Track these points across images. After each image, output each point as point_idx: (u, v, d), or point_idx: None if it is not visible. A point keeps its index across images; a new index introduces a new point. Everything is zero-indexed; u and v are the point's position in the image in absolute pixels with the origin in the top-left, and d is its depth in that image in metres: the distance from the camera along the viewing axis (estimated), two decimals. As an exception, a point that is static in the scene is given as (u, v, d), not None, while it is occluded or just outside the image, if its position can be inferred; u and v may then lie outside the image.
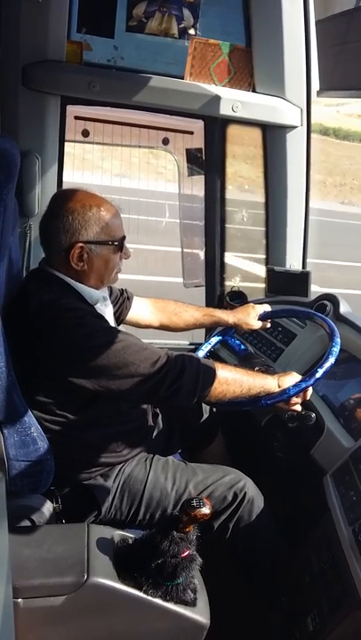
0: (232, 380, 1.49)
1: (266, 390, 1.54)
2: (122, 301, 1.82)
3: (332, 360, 1.55)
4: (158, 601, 1.26)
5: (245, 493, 1.58)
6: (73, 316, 1.37)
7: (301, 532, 1.59)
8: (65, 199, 1.46)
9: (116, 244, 1.48)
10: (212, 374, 1.46)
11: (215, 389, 1.46)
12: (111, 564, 1.28)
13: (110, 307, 1.67)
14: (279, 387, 1.55)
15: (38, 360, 1.36)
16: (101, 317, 1.49)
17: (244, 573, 1.67)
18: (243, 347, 1.98)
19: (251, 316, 1.94)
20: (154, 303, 1.94)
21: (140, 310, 1.88)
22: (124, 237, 1.51)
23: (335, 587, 1.31)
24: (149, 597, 1.26)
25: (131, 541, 1.33)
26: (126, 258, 1.54)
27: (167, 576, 1.24)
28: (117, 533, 1.36)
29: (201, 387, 1.44)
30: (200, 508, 1.19)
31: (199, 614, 1.30)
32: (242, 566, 1.67)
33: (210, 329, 2.23)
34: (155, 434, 1.75)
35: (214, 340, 1.98)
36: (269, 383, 1.55)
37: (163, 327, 1.96)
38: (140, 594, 1.26)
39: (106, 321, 1.52)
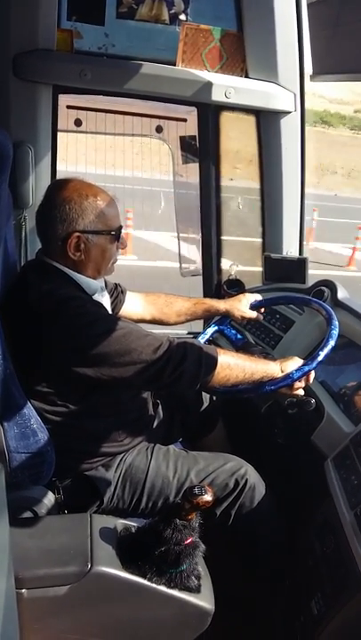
0: (235, 365, 1.49)
1: (269, 375, 1.54)
2: (116, 295, 1.82)
3: (332, 343, 1.55)
4: (162, 588, 1.27)
5: (247, 480, 1.58)
6: (73, 305, 1.36)
7: (303, 517, 1.60)
8: (61, 189, 1.45)
9: (113, 233, 1.47)
10: (214, 359, 1.46)
11: (218, 374, 1.46)
12: (114, 552, 1.28)
13: (107, 297, 1.66)
14: (282, 371, 1.55)
15: (38, 350, 1.35)
16: (101, 306, 1.49)
17: (247, 559, 1.68)
18: (239, 336, 1.97)
19: (243, 304, 1.93)
20: (145, 297, 1.94)
21: (133, 304, 1.88)
22: (120, 227, 1.50)
23: (338, 570, 1.32)
24: (153, 585, 1.27)
25: (134, 530, 1.33)
26: (123, 248, 1.54)
27: (171, 563, 1.25)
28: (120, 522, 1.36)
29: (204, 372, 1.44)
30: (202, 495, 1.19)
31: (203, 600, 1.31)
32: (245, 552, 1.68)
33: (206, 320, 2.22)
34: (155, 423, 1.75)
35: (210, 330, 1.97)
36: (272, 368, 1.55)
37: (155, 320, 1.95)
38: (144, 581, 1.26)
39: (105, 309, 1.52)
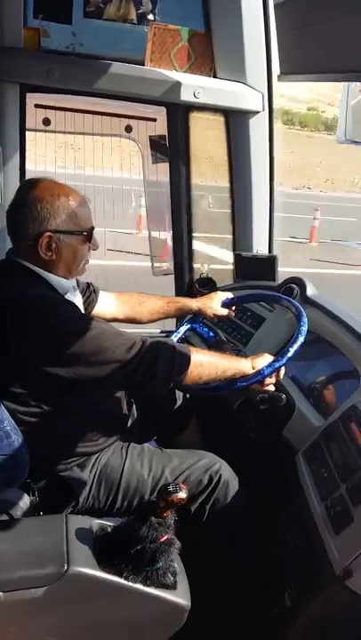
0: (207, 363, 1.52)
1: (241, 372, 1.57)
2: (88, 294, 1.81)
3: (301, 339, 1.59)
4: (139, 586, 1.28)
5: (221, 476, 1.60)
6: (45, 305, 1.36)
7: (276, 511, 1.63)
8: (33, 188, 1.45)
9: (84, 234, 1.47)
10: (186, 358, 1.48)
11: (191, 373, 1.48)
12: (91, 553, 1.29)
13: (79, 297, 1.66)
14: (253, 368, 1.58)
15: (10, 351, 1.35)
16: (73, 305, 1.49)
17: (222, 554, 1.70)
18: (211, 334, 1.99)
19: (214, 302, 1.95)
20: (117, 296, 1.94)
21: (105, 304, 1.88)
22: (92, 228, 1.50)
23: (310, 562, 1.35)
24: (130, 583, 1.27)
25: (109, 529, 1.34)
26: (94, 249, 1.53)
27: (147, 561, 1.26)
28: (96, 522, 1.37)
29: (177, 371, 1.46)
30: (177, 492, 1.21)
31: (180, 597, 1.32)
32: (219, 547, 1.70)
33: (179, 318, 2.23)
34: (129, 422, 1.75)
35: (183, 328, 1.99)
36: (243, 364, 1.58)
37: (128, 319, 1.96)
38: (121, 580, 1.27)
39: (78, 308, 1.52)
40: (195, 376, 1.50)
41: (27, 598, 1.23)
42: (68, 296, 1.52)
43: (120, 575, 1.26)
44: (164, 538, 1.25)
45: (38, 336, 1.34)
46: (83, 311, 1.65)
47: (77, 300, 1.62)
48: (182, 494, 1.21)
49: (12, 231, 1.48)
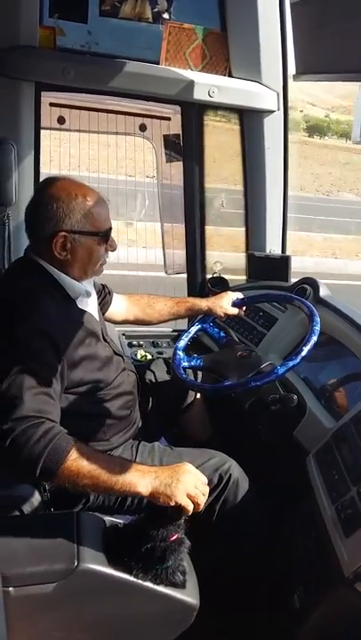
0: (87, 472, 1.22)
1: (131, 489, 1.24)
2: (103, 296, 1.82)
3: (315, 338, 1.58)
4: (148, 584, 1.28)
5: (230, 475, 1.60)
6: (34, 322, 1.32)
7: (286, 512, 1.63)
8: (50, 186, 1.45)
9: (100, 234, 1.46)
10: (63, 457, 1.20)
11: (65, 472, 1.21)
12: (101, 550, 1.29)
13: (95, 299, 1.66)
14: (151, 489, 1.23)
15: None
16: (52, 342, 1.34)
17: (231, 554, 1.70)
18: (222, 334, 1.99)
19: (225, 302, 1.95)
20: (128, 298, 1.95)
21: (117, 306, 1.89)
22: (109, 229, 1.49)
23: (320, 564, 1.34)
24: (139, 581, 1.28)
25: (120, 527, 1.35)
26: (112, 250, 1.52)
27: (157, 560, 1.26)
28: (106, 520, 1.38)
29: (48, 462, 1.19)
30: None
31: (189, 596, 1.33)
32: (228, 547, 1.70)
33: (191, 318, 2.23)
34: (140, 421, 1.76)
35: (194, 328, 1.99)
36: (138, 481, 1.24)
37: (138, 321, 1.97)
38: (130, 578, 1.28)
39: (56, 348, 1.35)
40: (72, 478, 1.22)
41: (37, 594, 1.24)
42: (80, 300, 1.52)
43: (130, 573, 1.27)
44: (174, 537, 1.26)
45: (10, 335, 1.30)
46: (97, 314, 1.64)
47: (92, 302, 1.62)
48: None
49: (29, 229, 1.48)
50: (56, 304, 1.41)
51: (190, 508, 1.24)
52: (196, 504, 1.24)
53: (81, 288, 1.51)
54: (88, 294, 1.56)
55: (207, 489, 1.29)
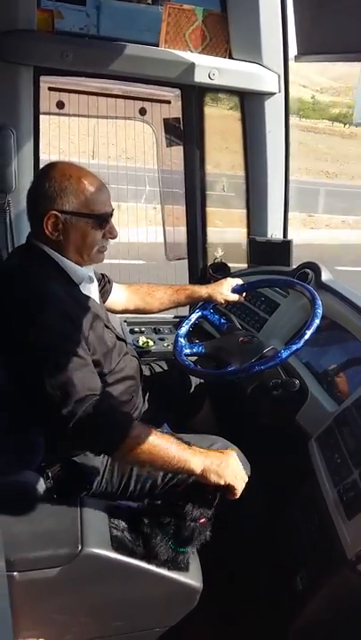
0: (152, 446, 1.29)
1: (186, 466, 1.31)
2: (103, 284, 1.82)
3: (317, 321, 1.58)
4: (152, 567, 1.30)
5: (233, 461, 1.61)
6: (55, 309, 1.33)
7: (288, 496, 1.64)
8: (49, 169, 1.45)
9: (94, 217, 1.44)
10: (125, 431, 1.29)
11: (128, 448, 1.28)
12: (105, 534, 1.31)
13: (96, 286, 1.65)
14: (203, 468, 1.32)
15: (26, 342, 1.33)
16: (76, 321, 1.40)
17: (233, 538, 1.71)
18: (223, 320, 1.99)
19: (225, 288, 1.94)
20: (128, 287, 1.94)
21: (116, 295, 1.88)
22: (106, 214, 1.47)
23: (322, 546, 1.36)
24: (143, 564, 1.30)
25: (138, 507, 1.39)
26: (112, 237, 1.50)
27: (182, 541, 1.30)
28: (109, 505, 1.39)
29: (116, 438, 1.29)
30: None
31: (192, 579, 1.34)
32: (230, 531, 1.71)
33: (191, 305, 2.22)
34: (142, 406, 1.76)
35: (194, 315, 1.99)
36: (194, 461, 1.32)
37: (138, 310, 1.96)
38: (134, 562, 1.29)
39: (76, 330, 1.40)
40: (133, 453, 1.29)
41: (41, 578, 1.26)
42: (83, 285, 1.51)
43: (142, 556, 1.30)
44: (202, 520, 1.29)
45: (24, 339, 1.31)
46: (99, 301, 1.64)
47: (94, 288, 1.61)
48: None
49: (27, 211, 1.48)
50: (63, 288, 1.41)
51: (239, 488, 1.35)
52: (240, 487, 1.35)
53: (84, 273, 1.50)
54: (91, 280, 1.56)
55: (246, 477, 1.39)
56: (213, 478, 1.31)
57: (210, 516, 1.33)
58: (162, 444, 1.31)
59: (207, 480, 1.31)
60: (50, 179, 1.41)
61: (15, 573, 1.23)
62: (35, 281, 1.37)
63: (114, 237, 1.50)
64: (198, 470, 1.31)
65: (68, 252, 1.46)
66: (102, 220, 1.46)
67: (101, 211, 1.45)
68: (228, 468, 1.34)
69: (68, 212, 1.41)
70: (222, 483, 1.32)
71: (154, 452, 1.29)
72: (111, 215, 1.48)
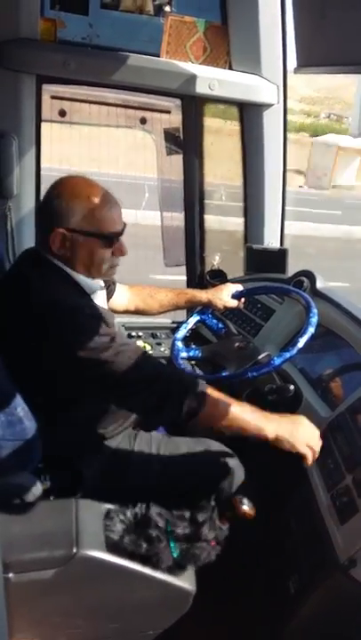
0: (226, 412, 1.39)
1: (260, 432, 1.40)
2: (108, 285, 1.83)
3: (311, 330, 1.60)
4: (146, 570, 1.31)
5: (227, 464, 1.62)
6: (78, 317, 1.36)
7: (281, 500, 1.65)
8: (60, 184, 1.44)
9: (102, 237, 1.41)
10: (203, 398, 1.38)
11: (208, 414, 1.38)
12: (100, 536, 1.32)
13: (104, 292, 1.67)
14: (276, 434, 1.39)
15: (34, 349, 1.35)
16: (103, 317, 1.43)
17: (227, 541, 1.72)
18: (220, 325, 2.01)
19: (224, 294, 1.97)
20: (129, 288, 1.96)
21: (118, 296, 1.90)
22: (115, 232, 1.43)
23: (315, 551, 1.37)
24: (137, 567, 1.31)
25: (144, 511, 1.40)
26: (122, 255, 1.48)
27: (188, 557, 1.34)
28: (105, 507, 1.40)
29: (195, 406, 1.37)
30: (245, 506, 1.39)
31: (185, 582, 1.35)
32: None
33: (190, 309, 2.24)
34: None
35: (193, 319, 2.01)
36: (267, 426, 1.40)
37: (139, 311, 1.98)
38: (128, 564, 1.30)
39: (107, 322, 1.44)
40: (212, 418, 1.40)
41: (36, 580, 1.27)
42: (95, 296, 1.52)
43: (141, 560, 1.32)
44: (213, 543, 1.33)
45: (71, 348, 1.33)
46: (106, 307, 1.65)
47: (102, 296, 1.63)
48: (251, 511, 1.37)
49: (36, 224, 1.50)
50: (74, 297, 1.43)
51: (310, 456, 1.39)
52: (313, 454, 1.40)
53: (96, 285, 1.50)
54: (102, 288, 1.58)
55: (320, 443, 1.42)
56: (287, 445, 1.38)
57: (220, 541, 1.36)
58: (237, 409, 1.39)
59: (281, 446, 1.38)
60: (58, 195, 1.40)
61: (10, 575, 1.23)
62: (53, 289, 1.38)
63: (124, 255, 1.48)
64: (272, 436, 1.38)
65: (76, 267, 1.45)
66: (111, 239, 1.43)
67: (110, 229, 1.43)
68: (299, 435, 1.39)
69: (75, 231, 1.39)
70: (294, 451, 1.38)
71: (230, 417, 1.37)
72: (122, 233, 1.46)
